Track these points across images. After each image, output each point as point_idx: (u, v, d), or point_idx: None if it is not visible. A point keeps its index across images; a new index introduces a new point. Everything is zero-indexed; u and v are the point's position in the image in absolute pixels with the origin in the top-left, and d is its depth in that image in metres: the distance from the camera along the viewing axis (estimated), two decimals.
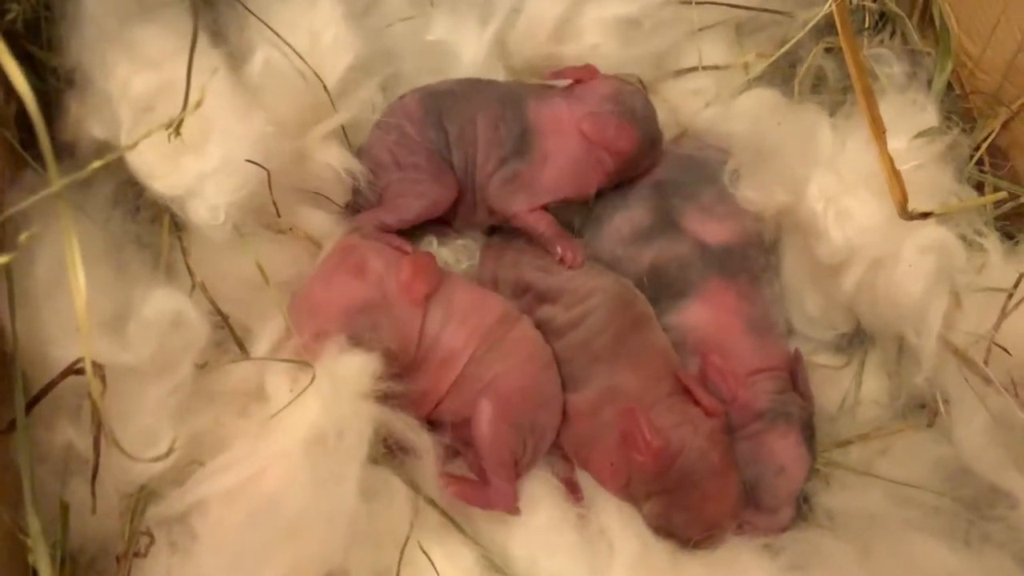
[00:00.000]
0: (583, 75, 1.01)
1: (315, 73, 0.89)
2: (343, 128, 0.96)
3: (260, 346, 0.84)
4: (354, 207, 0.98)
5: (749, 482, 0.91)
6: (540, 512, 0.87)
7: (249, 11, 0.89)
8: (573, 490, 0.90)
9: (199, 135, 0.77)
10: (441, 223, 1.03)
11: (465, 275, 1.03)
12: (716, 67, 1.09)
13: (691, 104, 1.10)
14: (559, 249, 0.97)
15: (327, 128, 0.93)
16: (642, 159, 1.02)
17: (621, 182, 1.04)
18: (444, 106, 0.98)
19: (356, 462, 0.75)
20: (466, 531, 0.82)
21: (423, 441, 0.82)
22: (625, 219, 1.02)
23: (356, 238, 0.93)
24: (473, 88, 1.01)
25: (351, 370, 0.79)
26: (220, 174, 0.79)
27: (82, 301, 0.49)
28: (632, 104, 1.00)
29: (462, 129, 0.98)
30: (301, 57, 0.88)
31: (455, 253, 1.04)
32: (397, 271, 0.88)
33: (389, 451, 0.83)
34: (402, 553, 0.77)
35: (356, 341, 0.84)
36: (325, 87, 0.90)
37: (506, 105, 1.00)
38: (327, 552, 0.72)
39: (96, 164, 0.52)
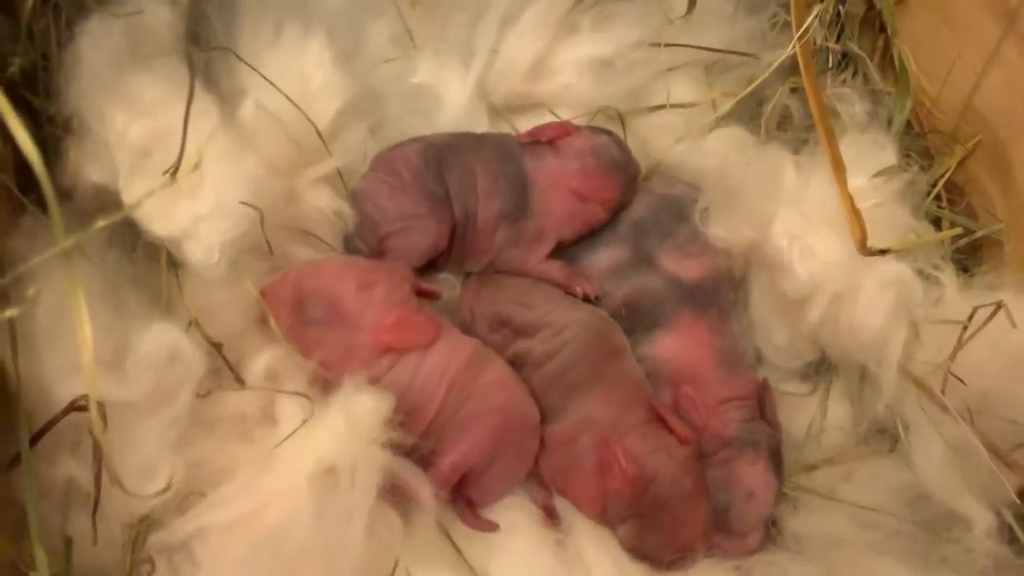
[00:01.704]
0: (560, 132, 1.05)
1: (308, 119, 0.92)
2: (339, 172, 0.98)
3: (259, 375, 0.86)
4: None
5: (719, 508, 0.94)
6: (519, 537, 0.89)
7: (241, 59, 0.91)
8: (551, 516, 0.92)
9: (194, 178, 0.79)
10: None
11: (444, 308, 1.05)
12: (683, 105, 1.12)
13: (661, 140, 1.13)
14: (578, 288, 1.03)
15: (320, 172, 0.95)
16: (626, 197, 1.08)
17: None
18: (444, 158, 1.01)
19: (366, 503, 0.77)
20: (461, 552, 0.85)
21: (426, 494, 0.83)
22: (605, 256, 1.06)
23: (404, 270, 0.95)
24: (471, 141, 1.05)
25: (364, 410, 0.81)
26: (214, 216, 0.81)
27: (89, 353, 0.52)
28: (611, 154, 1.05)
29: (462, 180, 1.01)
30: (294, 103, 0.90)
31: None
32: (386, 311, 0.90)
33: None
34: None
35: (290, 325, 0.87)
36: (319, 132, 0.93)
37: (504, 159, 1.04)
38: None
39: (102, 223, 0.55)
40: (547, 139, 1.05)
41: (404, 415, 0.85)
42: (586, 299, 1.03)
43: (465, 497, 0.91)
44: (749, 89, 1.08)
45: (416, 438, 0.87)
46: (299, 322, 0.89)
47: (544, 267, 1.05)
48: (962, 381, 0.89)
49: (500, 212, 1.02)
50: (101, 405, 0.66)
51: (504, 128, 1.13)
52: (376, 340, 0.89)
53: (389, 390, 0.85)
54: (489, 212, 1.02)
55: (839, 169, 0.90)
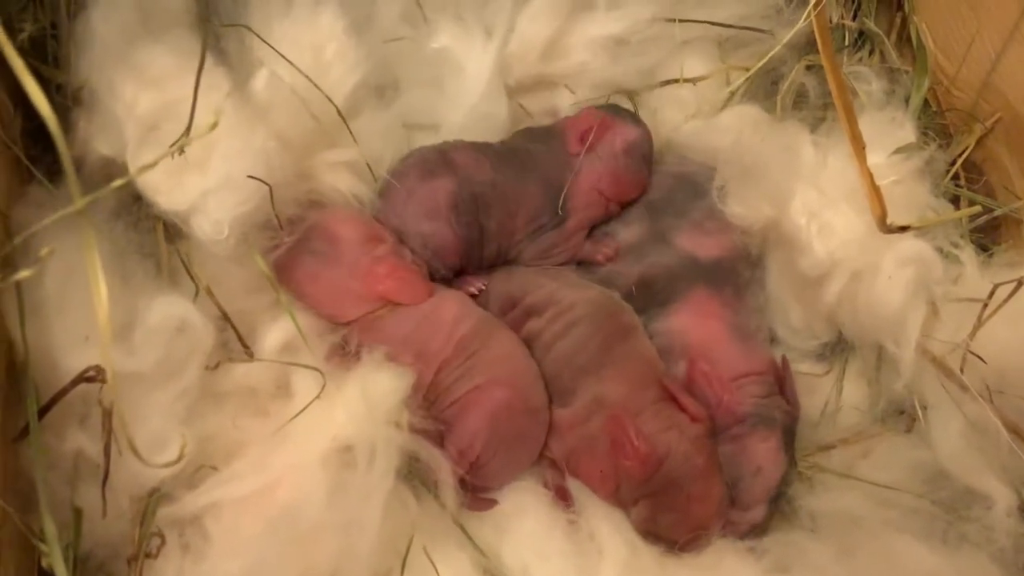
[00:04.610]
0: (601, 131, 1.03)
1: (326, 96, 0.89)
2: (364, 160, 0.97)
3: (268, 349, 0.85)
4: None
5: (729, 481, 0.93)
6: (531, 519, 0.88)
7: (258, 36, 0.89)
8: (564, 497, 0.91)
9: (202, 152, 0.79)
10: None
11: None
12: (696, 79, 1.11)
13: (673, 116, 1.12)
14: (600, 257, 1.04)
15: (340, 158, 0.94)
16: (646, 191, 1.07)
17: None
18: (482, 202, 0.99)
19: (385, 484, 0.77)
20: (471, 536, 0.84)
21: (444, 472, 0.83)
22: (620, 236, 1.06)
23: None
24: (516, 175, 1.02)
25: (383, 389, 0.81)
26: (223, 190, 0.80)
27: (104, 313, 0.51)
28: (642, 152, 1.04)
29: (501, 224, 1.00)
30: (310, 79, 0.88)
31: None
32: (380, 262, 0.91)
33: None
34: (405, 558, 0.79)
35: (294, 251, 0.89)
36: (339, 111, 0.90)
37: (549, 188, 1.02)
38: (341, 561, 0.74)
39: (117, 183, 0.54)
40: (596, 142, 1.03)
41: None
42: (608, 260, 1.04)
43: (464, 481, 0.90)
44: (763, 62, 1.06)
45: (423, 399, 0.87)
46: (302, 249, 0.90)
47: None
48: (982, 359, 0.88)
49: (531, 239, 1.03)
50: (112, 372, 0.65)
51: (514, 107, 1.10)
52: (369, 288, 0.90)
53: (392, 332, 0.87)
54: (528, 254, 1.03)
55: (859, 145, 0.89)
